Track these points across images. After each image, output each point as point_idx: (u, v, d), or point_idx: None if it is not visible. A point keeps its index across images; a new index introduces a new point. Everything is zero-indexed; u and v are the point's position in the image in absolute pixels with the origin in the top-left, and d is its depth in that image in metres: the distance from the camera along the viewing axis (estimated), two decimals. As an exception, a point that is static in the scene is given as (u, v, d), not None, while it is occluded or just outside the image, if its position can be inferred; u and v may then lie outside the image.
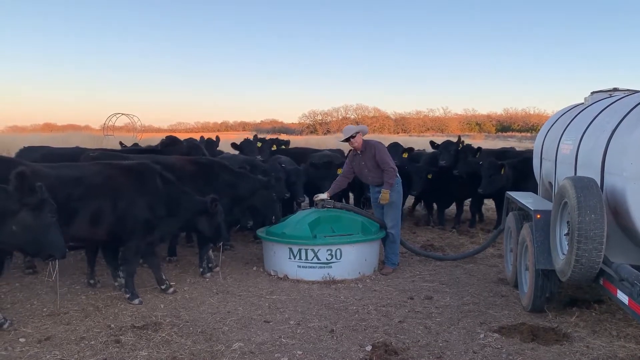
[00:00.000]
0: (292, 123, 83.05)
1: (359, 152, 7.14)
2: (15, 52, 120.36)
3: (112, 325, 5.15)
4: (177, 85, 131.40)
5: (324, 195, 7.18)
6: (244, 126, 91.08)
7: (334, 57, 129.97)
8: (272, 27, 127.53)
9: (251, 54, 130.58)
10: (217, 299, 6.00)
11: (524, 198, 6.22)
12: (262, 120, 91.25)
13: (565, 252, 4.54)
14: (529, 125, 70.40)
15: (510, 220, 6.57)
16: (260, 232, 7.10)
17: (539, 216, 5.26)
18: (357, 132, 7.00)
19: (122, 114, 37.90)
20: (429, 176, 9.74)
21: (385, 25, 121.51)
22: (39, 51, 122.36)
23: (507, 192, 6.97)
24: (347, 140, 7.05)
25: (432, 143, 11.09)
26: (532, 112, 77.41)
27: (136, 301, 5.84)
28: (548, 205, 5.57)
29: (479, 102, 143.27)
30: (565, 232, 4.67)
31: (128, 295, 5.91)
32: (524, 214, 6.18)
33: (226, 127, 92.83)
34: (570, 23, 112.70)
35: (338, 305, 5.77)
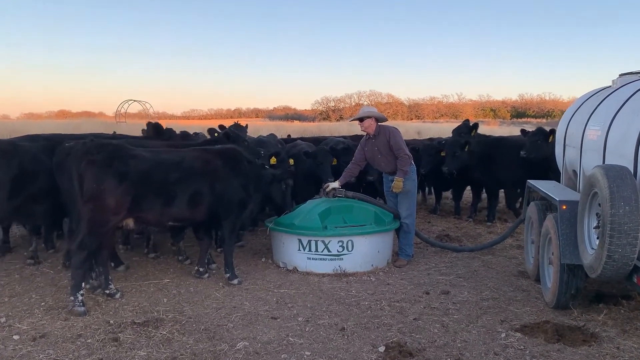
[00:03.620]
0: (305, 110, 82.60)
1: (371, 136, 6.80)
2: (31, 39, 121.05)
3: (112, 322, 4.92)
4: (192, 72, 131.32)
5: (335, 184, 6.87)
6: (256, 113, 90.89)
7: (347, 43, 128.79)
8: (285, 12, 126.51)
9: (264, 40, 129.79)
10: (223, 293, 5.74)
11: (547, 187, 5.85)
12: (274, 107, 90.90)
13: (595, 247, 4.18)
14: (544, 111, 69.27)
15: (531, 210, 6.21)
16: (269, 222, 6.81)
17: (564, 207, 4.90)
18: (369, 117, 6.65)
19: (134, 101, 37.82)
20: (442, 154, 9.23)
21: (399, 10, 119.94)
22: (55, 39, 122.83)
23: (528, 180, 6.60)
24: (359, 120, 6.71)
25: (523, 131, 9.49)
26: (547, 98, 76.32)
27: (235, 281, 5.94)
28: (574, 196, 5.20)
29: (494, 88, 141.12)
30: (595, 224, 4.31)
31: (228, 275, 6.00)
32: (547, 204, 5.82)
33: (239, 114, 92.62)
34: (586, 6, 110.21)
35: (349, 301, 5.48)
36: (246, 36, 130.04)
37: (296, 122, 53.57)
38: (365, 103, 74.59)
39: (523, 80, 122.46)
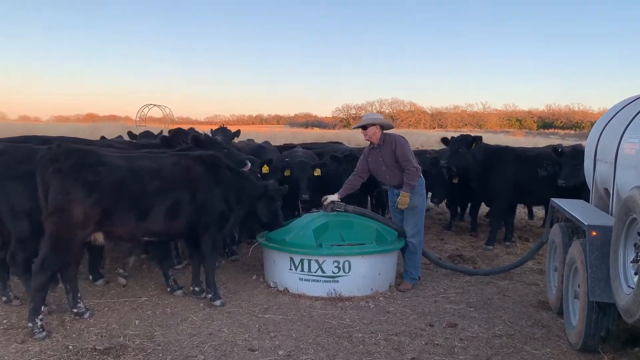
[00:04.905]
0: (326, 117, 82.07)
1: (375, 145, 6.13)
2: (61, 44, 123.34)
3: (71, 347, 4.37)
4: (215, 79, 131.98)
5: (334, 197, 6.20)
6: (277, 119, 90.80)
7: (369, 50, 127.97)
8: (308, 20, 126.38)
9: (287, 46, 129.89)
10: (202, 316, 5.12)
11: (574, 208, 5.09)
12: (295, 114, 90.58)
13: (633, 286, 3.44)
14: (572, 122, 67.37)
15: (555, 233, 5.45)
16: (260, 236, 6.18)
17: (595, 233, 4.15)
18: (373, 124, 5.99)
19: (154, 105, 37.74)
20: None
21: (422, 17, 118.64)
22: (84, 42, 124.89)
23: (552, 199, 5.83)
24: (363, 129, 6.06)
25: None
26: (576, 109, 74.14)
27: (218, 302, 5.37)
28: (607, 220, 4.44)
29: (520, 98, 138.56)
30: (633, 257, 3.57)
31: (210, 296, 5.41)
32: (574, 227, 5.07)
33: (260, 120, 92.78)
34: (617, 13, 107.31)
35: (341, 332, 4.80)
36: (269, 43, 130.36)
37: (316, 129, 53.02)
38: (387, 111, 73.87)
39: (551, 89, 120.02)
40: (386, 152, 6.06)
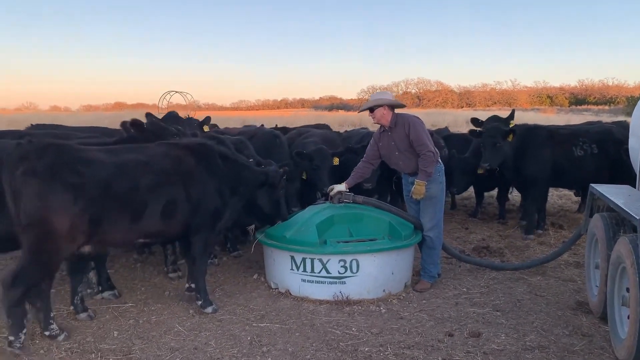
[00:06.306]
0: (351, 99, 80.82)
1: (386, 128, 5.41)
2: (89, 34, 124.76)
3: (35, 366, 3.83)
4: (240, 64, 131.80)
5: (341, 187, 5.52)
6: (302, 103, 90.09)
7: (394, 28, 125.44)
8: (331, 1, 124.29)
9: (312, 29, 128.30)
10: (189, 326, 4.55)
11: (619, 196, 4.30)
12: (320, 97, 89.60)
13: None
14: (606, 98, 64.60)
15: (596, 224, 4.66)
16: (260, 232, 5.56)
17: (649, 230, 3.39)
18: (380, 105, 5.26)
19: (176, 92, 37.33)
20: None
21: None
22: (111, 32, 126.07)
23: (592, 185, 5.03)
24: (370, 111, 5.35)
25: None
26: (610, 84, 71.14)
27: (209, 309, 4.78)
28: (663, 212, 3.66)
29: (551, 74, 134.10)
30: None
31: (200, 302, 4.82)
32: (620, 219, 4.28)
33: (285, 104, 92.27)
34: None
35: (345, 344, 4.15)
36: (294, 26, 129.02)
37: (340, 112, 52.08)
38: (413, 91, 72.19)
39: (583, 64, 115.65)
40: (399, 135, 5.33)
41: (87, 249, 4.27)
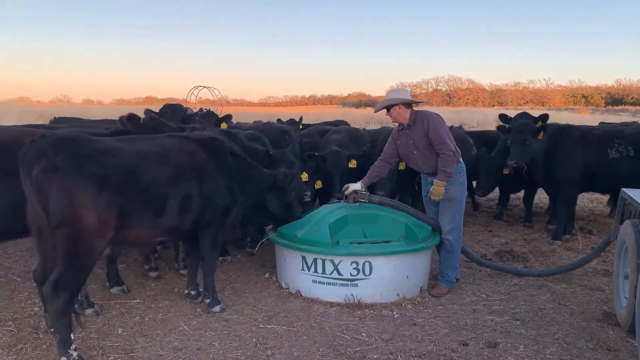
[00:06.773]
0: (380, 96, 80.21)
1: (405, 126, 5.19)
2: (126, 30, 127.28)
3: (35, 364, 3.77)
4: (269, 60, 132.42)
5: (356, 186, 5.34)
6: (330, 100, 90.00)
7: (425, 25, 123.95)
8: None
9: (341, 26, 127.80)
10: (195, 325, 4.44)
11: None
12: (349, 94, 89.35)
13: None
14: (645, 98, 62.64)
15: (627, 231, 4.36)
16: (272, 231, 5.42)
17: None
18: (395, 104, 5.05)
19: (203, 87, 37.56)
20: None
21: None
22: (142, 29, 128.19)
23: (623, 189, 4.72)
24: (386, 110, 5.15)
25: None
26: (650, 84, 68.86)
27: (217, 308, 4.68)
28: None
29: (587, 73, 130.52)
30: None
31: (208, 301, 4.73)
32: (652, 227, 3.99)
33: (314, 100, 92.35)
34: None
35: (353, 350, 3.98)
36: (323, 22, 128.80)
37: (368, 109, 51.73)
38: (444, 89, 71.16)
39: (621, 63, 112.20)
40: (417, 133, 5.11)
41: (106, 251, 4.14)
